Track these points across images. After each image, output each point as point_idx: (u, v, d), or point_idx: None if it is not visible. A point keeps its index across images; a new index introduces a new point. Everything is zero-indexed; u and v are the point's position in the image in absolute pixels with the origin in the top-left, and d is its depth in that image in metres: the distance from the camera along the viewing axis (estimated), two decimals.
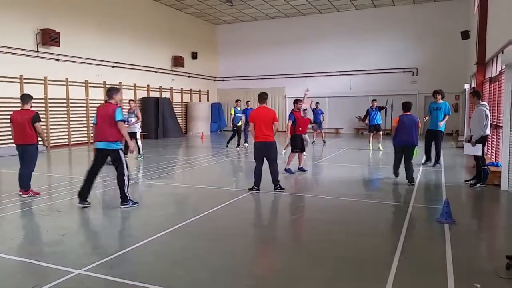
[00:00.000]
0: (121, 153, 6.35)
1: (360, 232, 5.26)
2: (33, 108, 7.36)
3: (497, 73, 10.28)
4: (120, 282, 3.62)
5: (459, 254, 4.32)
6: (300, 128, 9.40)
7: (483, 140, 7.73)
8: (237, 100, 15.92)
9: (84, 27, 17.07)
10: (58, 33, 15.45)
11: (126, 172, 6.33)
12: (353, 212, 6.41)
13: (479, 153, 7.70)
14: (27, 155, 7.13)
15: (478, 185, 7.84)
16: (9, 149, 13.57)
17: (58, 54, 15.85)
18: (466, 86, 17.12)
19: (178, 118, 22.49)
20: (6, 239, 5.02)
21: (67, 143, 16.38)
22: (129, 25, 19.58)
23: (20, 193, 7.11)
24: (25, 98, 7.28)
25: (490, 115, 7.85)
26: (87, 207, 6.31)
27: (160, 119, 20.49)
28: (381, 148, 14.27)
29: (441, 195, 7.08)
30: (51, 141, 15.72)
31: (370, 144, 14.54)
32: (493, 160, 9.54)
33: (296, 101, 9.61)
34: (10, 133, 6.93)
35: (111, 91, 6.56)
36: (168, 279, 3.72)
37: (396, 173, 8.63)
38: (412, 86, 22.47)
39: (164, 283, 3.58)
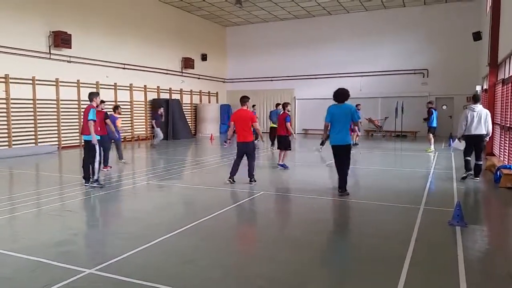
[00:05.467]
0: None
1: (370, 234, 5.22)
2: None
3: (510, 74, 10.15)
4: (130, 282, 3.64)
5: (471, 258, 4.26)
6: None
7: (468, 138, 8.54)
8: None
9: (95, 29, 17.26)
10: (70, 35, 15.64)
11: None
12: (364, 214, 6.37)
13: (462, 148, 8.78)
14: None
15: (464, 174, 8.67)
16: (21, 150, 13.76)
17: (69, 56, 16.04)
18: (478, 88, 16.92)
19: (187, 120, 22.59)
20: (18, 238, 5.08)
21: (78, 144, 16.53)
22: (140, 27, 19.74)
23: None
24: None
25: (480, 117, 8.39)
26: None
27: (169, 121, 20.60)
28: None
29: (452, 198, 7.00)
30: (62, 142, 15.90)
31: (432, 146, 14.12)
32: (506, 162, 9.41)
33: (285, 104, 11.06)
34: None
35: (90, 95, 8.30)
36: (178, 279, 3.72)
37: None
38: (423, 87, 22.29)
39: (174, 283, 3.59)
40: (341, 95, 7.27)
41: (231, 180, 8.23)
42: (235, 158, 8.47)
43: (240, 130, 8.19)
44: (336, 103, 7.30)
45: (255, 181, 8.26)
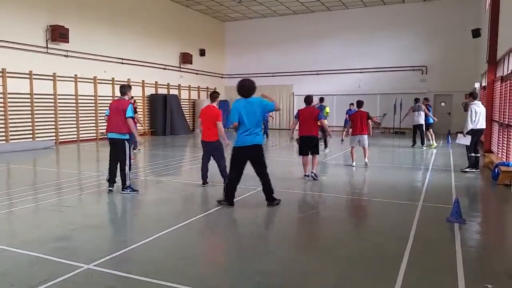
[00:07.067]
0: (126, 144, 7.06)
1: (368, 231, 5.24)
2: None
3: (509, 71, 10.15)
4: (128, 277, 3.63)
5: (469, 254, 4.27)
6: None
7: (473, 133, 9.05)
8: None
9: (93, 24, 17.17)
10: (67, 29, 15.55)
11: (127, 162, 7.07)
12: (362, 211, 6.39)
13: (468, 143, 9.08)
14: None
15: (467, 169, 9.18)
16: (18, 145, 13.71)
17: (67, 51, 15.96)
18: (477, 85, 16.93)
19: (185, 115, 22.54)
20: (16, 234, 5.07)
21: (75, 139, 16.49)
22: (138, 21, 19.65)
23: None
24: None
25: (482, 112, 9.07)
26: (112, 190, 7.13)
27: (167, 116, 20.56)
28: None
29: (451, 195, 7.01)
30: (60, 137, 15.84)
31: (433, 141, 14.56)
32: (504, 159, 9.42)
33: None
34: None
35: (124, 88, 7.26)
36: (176, 275, 3.72)
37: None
38: (422, 84, 22.31)
39: (172, 279, 3.58)
40: (248, 88, 6.03)
41: (204, 181, 7.81)
42: (202, 159, 7.93)
43: (205, 129, 7.65)
44: (242, 97, 6.04)
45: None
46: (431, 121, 14.60)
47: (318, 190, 7.51)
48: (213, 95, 7.87)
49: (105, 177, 7.89)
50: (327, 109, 14.21)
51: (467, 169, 9.20)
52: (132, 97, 10.96)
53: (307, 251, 4.54)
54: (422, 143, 14.18)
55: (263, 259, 4.15)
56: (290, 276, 3.75)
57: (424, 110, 14.21)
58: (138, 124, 11.13)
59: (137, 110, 12.34)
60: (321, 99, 14.20)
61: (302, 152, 8.40)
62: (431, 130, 14.60)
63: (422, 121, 14.13)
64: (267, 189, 6.19)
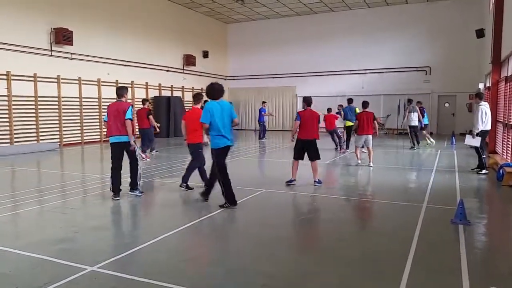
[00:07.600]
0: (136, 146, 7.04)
1: (373, 232, 5.22)
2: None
3: None
4: (132, 279, 3.64)
5: (474, 256, 4.25)
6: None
7: (482, 134, 8.99)
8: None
9: (96, 26, 17.23)
10: (71, 32, 15.62)
11: (139, 162, 7.09)
12: (366, 212, 6.37)
13: (478, 145, 8.97)
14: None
15: (483, 171, 9.07)
16: (23, 147, 13.77)
17: (71, 53, 16.03)
18: (481, 85, 16.85)
19: None
20: (20, 235, 5.09)
21: (80, 141, 16.55)
22: (141, 24, 19.70)
23: None
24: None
25: (490, 113, 9.11)
26: (118, 199, 6.78)
27: (171, 118, 20.59)
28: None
29: (455, 196, 6.98)
30: (64, 139, 15.90)
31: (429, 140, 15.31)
32: (509, 160, 9.37)
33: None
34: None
35: (121, 90, 7.07)
36: (180, 277, 3.72)
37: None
38: (425, 85, 22.22)
39: (176, 281, 3.59)
40: (218, 91, 6.24)
41: (206, 183, 7.52)
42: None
43: (190, 131, 7.41)
44: (212, 99, 6.21)
45: (186, 188, 7.53)
46: (426, 122, 15.35)
47: (321, 192, 7.49)
48: (197, 96, 7.74)
49: (108, 178, 7.89)
50: (357, 110, 13.46)
51: (484, 171, 9.07)
52: (147, 100, 12.26)
53: (310, 252, 4.53)
54: (418, 143, 14.57)
55: (267, 261, 4.14)
56: (293, 278, 3.74)
57: (417, 112, 14.53)
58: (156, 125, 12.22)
59: (151, 112, 13.03)
60: (350, 100, 14.07)
61: (296, 156, 8.00)
62: (424, 132, 15.31)
63: (416, 122, 14.47)
64: (212, 182, 6.61)
